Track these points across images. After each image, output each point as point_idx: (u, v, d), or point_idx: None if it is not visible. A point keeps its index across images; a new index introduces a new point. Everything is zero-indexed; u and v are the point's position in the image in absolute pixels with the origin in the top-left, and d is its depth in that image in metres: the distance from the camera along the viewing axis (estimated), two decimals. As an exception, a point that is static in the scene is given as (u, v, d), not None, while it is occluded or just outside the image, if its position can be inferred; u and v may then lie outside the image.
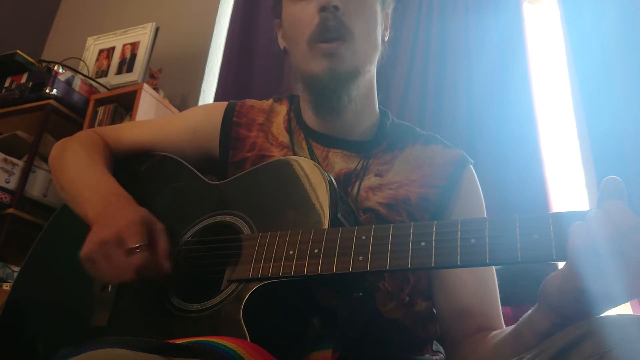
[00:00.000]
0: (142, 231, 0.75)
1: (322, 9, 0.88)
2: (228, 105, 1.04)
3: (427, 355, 0.90)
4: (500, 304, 0.89)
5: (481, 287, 0.88)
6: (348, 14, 0.89)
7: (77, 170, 0.93)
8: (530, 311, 0.68)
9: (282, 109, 1.03)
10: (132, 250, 0.73)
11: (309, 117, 0.98)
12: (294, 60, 0.97)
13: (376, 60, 0.96)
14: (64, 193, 0.94)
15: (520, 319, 0.70)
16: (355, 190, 0.90)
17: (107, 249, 0.73)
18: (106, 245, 0.74)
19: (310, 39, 0.89)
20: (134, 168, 1.00)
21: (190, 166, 0.94)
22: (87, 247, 0.75)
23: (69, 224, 0.96)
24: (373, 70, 0.97)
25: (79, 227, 0.91)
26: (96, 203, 0.84)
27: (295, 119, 1.00)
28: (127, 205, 0.82)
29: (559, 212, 0.59)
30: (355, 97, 0.93)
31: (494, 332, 0.81)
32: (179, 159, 0.97)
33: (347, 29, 0.88)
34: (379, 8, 0.95)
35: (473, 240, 0.60)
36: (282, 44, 1.03)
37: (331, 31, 0.88)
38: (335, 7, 0.88)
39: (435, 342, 0.94)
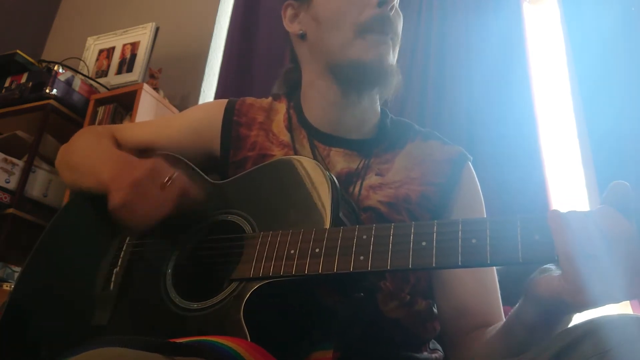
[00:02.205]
0: (165, 167, 0.78)
1: (382, 4, 0.89)
2: (228, 104, 1.04)
3: (426, 353, 0.91)
4: (501, 302, 0.89)
5: (481, 285, 0.89)
6: (394, 18, 0.93)
7: (88, 149, 0.95)
8: (517, 305, 0.68)
9: (282, 107, 1.03)
10: (167, 181, 0.76)
11: (315, 113, 0.98)
12: (324, 46, 0.94)
13: None
14: (74, 174, 0.94)
15: (510, 313, 0.71)
16: (357, 189, 0.90)
17: (142, 187, 0.76)
18: (140, 184, 0.76)
19: (362, 27, 0.89)
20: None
21: (193, 165, 0.94)
22: (119, 194, 0.76)
23: (71, 224, 0.97)
24: None
25: (82, 226, 0.92)
26: (110, 167, 0.85)
27: (296, 116, 1.00)
28: (142, 160, 0.83)
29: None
30: (373, 96, 0.97)
31: (489, 328, 0.81)
32: (182, 158, 0.97)
33: (396, 31, 0.93)
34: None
35: (474, 241, 0.60)
36: (294, 27, 1.00)
37: (385, 28, 0.90)
38: (392, 7, 0.90)
39: (432, 340, 0.95)
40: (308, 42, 0.98)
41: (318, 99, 0.97)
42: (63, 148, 1.03)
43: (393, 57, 0.93)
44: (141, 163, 0.80)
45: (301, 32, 0.98)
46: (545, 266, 0.64)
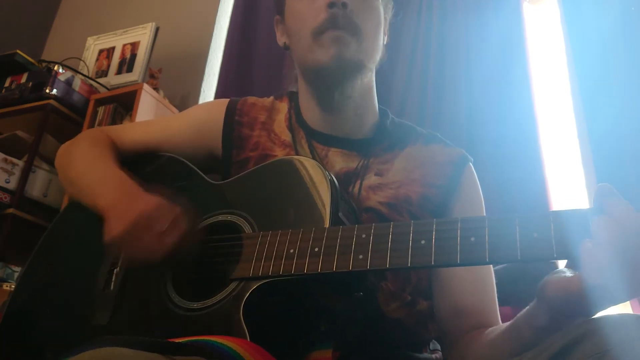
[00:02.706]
0: (167, 213, 0.76)
1: (331, 5, 0.88)
2: (229, 103, 1.04)
3: (426, 354, 0.91)
4: (497, 302, 0.89)
5: (479, 284, 0.89)
6: (356, 12, 0.90)
7: (87, 164, 0.94)
8: (528, 307, 0.68)
9: (283, 107, 1.03)
10: (163, 231, 0.74)
11: (309, 115, 0.98)
12: (296, 55, 0.97)
13: (377, 61, 0.97)
14: (73, 187, 0.94)
15: (518, 315, 0.71)
16: (357, 189, 0.90)
17: (136, 232, 0.74)
18: (135, 229, 0.74)
19: (316, 31, 0.89)
20: (137, 168, 1.00)
21: (193, 166, 0.95)
22: (114, 233, 0.76)
23: (72, 225, 0.97)
24: (373, 70, 0.98)
25: (83, 227, 0.92)
26: (109, 192, 0.84)
27: (295, 117, 1.00)
28: (142, 193, 0.82)
29: (560, 211, 0.59)
30: (356, 92, 0.94)
31: (490, 328, 0.81)
32: (182, 159, 0.97)
33: (356, 25, 0.89)
34: (382, 11, 0.97)
35: (473, 239, 0.60)
36: (281, 40, 1.03)
37: (339, 27, 0.88)
38: (344, 4, 0.88)
39: (433, 340, 0.95)
40: (290, 52, 1.01)
41: (306, 102, 0.98)
42: (63, 150, 1.02)
43: (358, 51, 0.90)
44: (143, 199, 0.79)
45: (284, 43, 1.02)
46: (558, 269, 0.63)
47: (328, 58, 0.88)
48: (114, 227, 0.76)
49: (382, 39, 0.98)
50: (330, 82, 0.92)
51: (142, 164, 1.01)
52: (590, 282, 0.55)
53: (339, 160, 0.94)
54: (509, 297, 0.93)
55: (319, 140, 0.96)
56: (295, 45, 0.95)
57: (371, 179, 0.92)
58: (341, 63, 0.89)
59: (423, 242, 0.62)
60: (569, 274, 0.60)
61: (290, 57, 1.04)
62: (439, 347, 0.95)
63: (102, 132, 1.03)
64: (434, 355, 0.92)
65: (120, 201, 0.80)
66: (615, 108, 1.80)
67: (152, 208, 0.76)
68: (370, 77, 0.97)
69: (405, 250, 0.63)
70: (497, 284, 0.91)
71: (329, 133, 0.96)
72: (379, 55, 0.96)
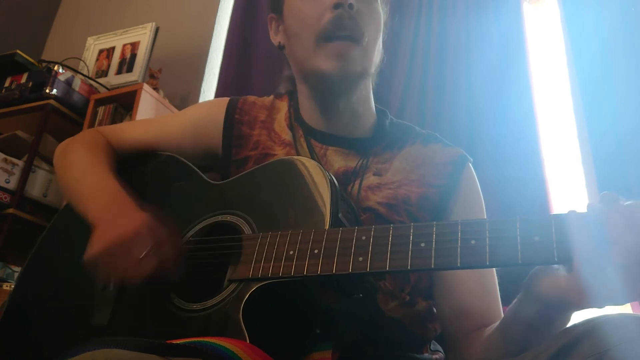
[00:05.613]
0: (147, 238, 0.74)
1: (337, 6, 0.86)
2: (230, 102, 1.04)
3: (427, 354, 0.90)
4: (500, 302, 0.89)
5: (481, 285, 0.89)
6: (360, 15, 0.89)
7: (81, 170, 0.93)
8: (514, 303, 0.68)
9: (283, 106, 1.03)
10: (139, 258, 0.72)
11: (308, 114, 0.98)
12: (294, 57, 0.95)
13: (378, 65, 0.97)
14: (68, 192, 0.94)
15: (506, 313, 0.71)
16: (356, 189, 0.90)
17: (113, 255, 0.73)
18: (112, 252, 0.73)
19: (320, 36, 0.88)
20: (136, 167, 1.00)
21: (192, 165, 0.94)
22: (92, 252, 0.75)
23: (71, 224, 0.97)
24: (374, 74, 0.98)
25: (82, 226, 0.91)
26: (99, 204, 0.83)
27: (294, 116, 1.00)
28: (131, 209, 0.81)
29: (561, 214, 0.59)
30: (357, 98, 0.94)
31: (486, 328, 0.81)
32: (181, 158, 0.97)
33: (360, 29, 0.88)
34: (382, 16, 0.96)
35: (473, 242, 0.60)
36: (276, 39, 1.02)
37: (345, 29, 0.87)
38: (351, 5, 0.87)
39: (433, 341, 0.95)
40: (286, 52, 0.99)
41: (305, 101, 0.98)
42: (60, 151, 1.01)
43: (363, 59, 0.89)
44: (129, 217, 0.77)
45: (279, 43, 1.00)
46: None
47: (331, 69, 0.87)
48: (91, 248, 0.75)
49: (381, 44, 0.97)
50: (333, 90, 0.92)
51: (141, 163, 1.01)
52: (590, 284, 0.55)
53: (338, 159, 0.93)
54: (510, 297, 0.93)
55: (317, 139, 0.96)
56: (295, 46, 0.93)
57: (370, 179, 0.91)
58: (345, 76, 0.89)
59: (423, 244, 0.62)
60: (563, 271, 0.60)
61: (285, 57, 1.04)
62: (440, 348, 0.95)
63: (99, 134, 1.02)
64: (434, 356, 0.92)
65: (106, 217, 0.79)
66: (615, 108, 1.80)
67: (133, 230, 0.74)
68: (369, 81, 0.97)
69: (405, 252, 0.62)
70: (499, 283, 0.91)
71: (327, 132, 0.96)
72: (379, 59, 0.96)
